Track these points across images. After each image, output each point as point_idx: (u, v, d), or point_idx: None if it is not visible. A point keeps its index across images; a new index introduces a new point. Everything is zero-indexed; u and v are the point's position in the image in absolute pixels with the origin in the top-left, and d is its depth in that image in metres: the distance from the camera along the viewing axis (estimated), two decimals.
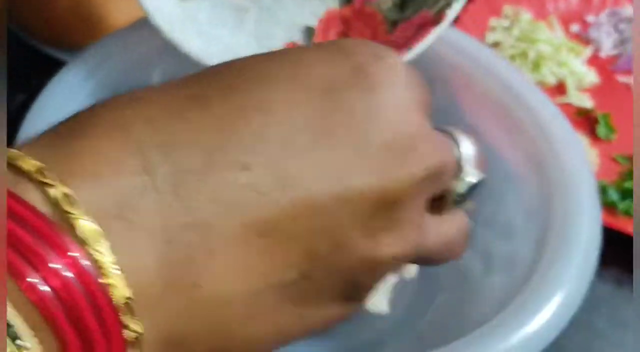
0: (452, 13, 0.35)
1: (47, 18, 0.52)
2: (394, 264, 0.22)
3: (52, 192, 0.17)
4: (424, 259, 0.24)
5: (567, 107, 0.56)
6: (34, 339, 0.16)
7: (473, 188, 0.24)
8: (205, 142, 0.19)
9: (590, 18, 0.65)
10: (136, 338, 0.18)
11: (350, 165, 0.20)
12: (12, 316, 0.15)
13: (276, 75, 0.20)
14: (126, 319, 0.17)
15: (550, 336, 0.29)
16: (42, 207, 0.17)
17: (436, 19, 0.36)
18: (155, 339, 0.18)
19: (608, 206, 0.46)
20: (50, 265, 0.16)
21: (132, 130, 0.18)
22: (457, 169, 0.23)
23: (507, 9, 0.63)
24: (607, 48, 0.62)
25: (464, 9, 0.60)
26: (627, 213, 0.46)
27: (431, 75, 0.42)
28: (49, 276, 0.16)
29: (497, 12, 0.63)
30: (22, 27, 0.53)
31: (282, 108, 0.19)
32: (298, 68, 0.20)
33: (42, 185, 0.17)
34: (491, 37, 0.61)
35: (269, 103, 0.19)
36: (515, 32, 0.60)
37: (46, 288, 0.16)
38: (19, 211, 0.16)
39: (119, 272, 0.17)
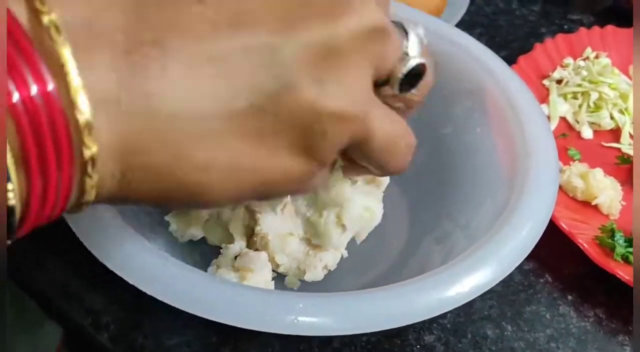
0: None
1: None
2: (342, 125, 0.24)
3: (46, 19, 0.19)
4: (369, 153, 0.27)
5: (613, 151, 0.57)
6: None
7: (416, 72, 0.27)
8: None
9: None
10: (91, 157, 0.20)
11: (295, 10, 0.23)
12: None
13: None
14: (86, 139, 0.20)
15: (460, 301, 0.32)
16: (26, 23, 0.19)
17: None
18: (112, 148, 0.21)
19: (608, 248, 0.47)
20: (26, 79, 0.19)
21: None
22: (403, 54, 0.27)
23: (588, 50, 0.64)
24: None
25: (541, 42, 0.63)
26: (625, 259, 0.46)
27: (461, 87, 0.46)
28: (22, 87, 0.18)
29: (576, 52, 0.64)
30: None
31: None
32: None
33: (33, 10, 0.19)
34: (558, 73, 0.62)
35: None
36: (584, 72, 0.61)
37: (17, 97, 0.18)
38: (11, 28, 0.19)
39: (82, 92, 0.19)
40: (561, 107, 0.60)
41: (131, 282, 0.32)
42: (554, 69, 0.62)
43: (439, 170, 0.46)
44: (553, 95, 0.60)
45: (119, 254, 0.32)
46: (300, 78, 0.23)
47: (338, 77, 0.24)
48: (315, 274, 0.40)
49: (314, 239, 0.40)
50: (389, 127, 0.27)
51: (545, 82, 0.61)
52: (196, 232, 0.42)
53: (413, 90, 0.28)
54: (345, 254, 0.42)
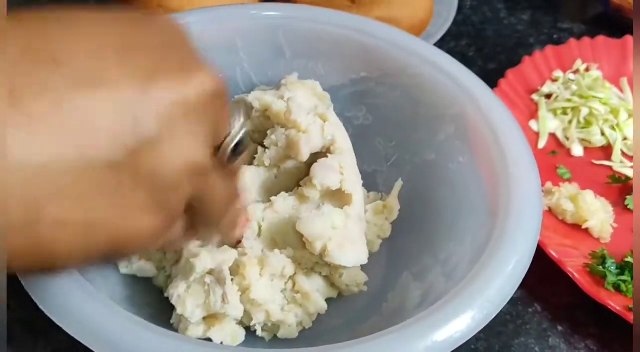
0: None
1: None
2: (192, 178, 0.25)
3: None
4: (204, 204, 0.28)
5: (604, 169, 0.55)
6: None
7: (242, 142, 0.29)
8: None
9: None
10: None
11: (149, 69, 0.24)
12: None
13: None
14: None
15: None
16: None
17: None
18: None
19: (599, 276, 0.45)
20: None
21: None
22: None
23: (579, 63, 0.62)
24: None
25: (530, 53, 0.61)
26: (616, 288, 0.44)
27: (443, 112, 0.44)
28: None
29: (565, 64, 0.62)
30: None
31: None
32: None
33: None
34: (548, 88, 0.60)
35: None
36: (574, 86, 0.59)
37: None
38: None
39: None
40: (551, 124, 0.58)
41: (82, 341, 0.30)
42: (543, 83, 0.60)
43: (420, 199, 0.44)
44: (542, 111, 0.58)
45: (63, 304, 0.30)
46: (158, 134, 0.24)
47: (192, 133, 0.25)
48: (289, 331, 0.38)
49: (294, 301, 0.39)
50: (222, 187, 0.29)
51: (535, 97, 0.59)
52: (145, 268, 0.39)
53: (238, 159, 0.29)
54: (325, 310, 0.40)
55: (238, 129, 0.29)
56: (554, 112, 0.58)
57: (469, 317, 0.31)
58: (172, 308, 0.36)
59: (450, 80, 0.43)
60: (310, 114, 0.41)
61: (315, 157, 0.42)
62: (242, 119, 0.29)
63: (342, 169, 0.40)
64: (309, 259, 0.39)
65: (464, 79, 0.43)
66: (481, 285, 0.32)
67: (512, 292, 0.32)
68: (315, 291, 0.39)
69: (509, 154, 0.38)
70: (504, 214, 0.36)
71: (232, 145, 0.28)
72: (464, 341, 0.30)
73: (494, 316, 0.31)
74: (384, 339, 0.30)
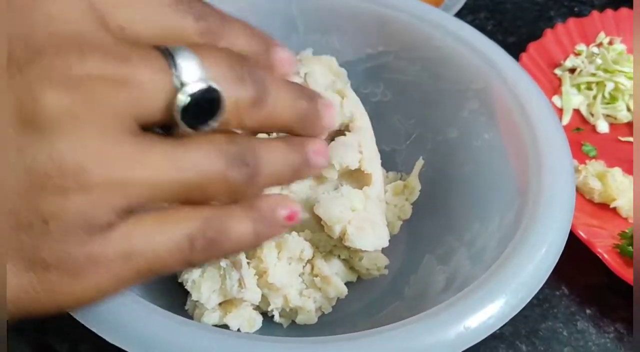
0: None
1: None
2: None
3: None
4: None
5: (631, 146, 0.53)
6: None
7: (207, 99, 0.21)
8: None
9: None
10: None
11: None
12: None
13: None
14: None
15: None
16: None
17: None
18: None
19: (629, 257, 0.43)
20: None
21: None
22: (175, 86, 0.21)
23: (602, 36, 0.60)
24: None
25: (551, 26, 0.58)
26: None
27: (467, 87, 0.42)
28: None
29: (588, 37, 0.60)
30: None
31: None
32: None
33: None
34: (571, 61, 0.57)
35: None
36: (599, 60, 0.57)
37: None
38: None
39: None
40: (575, 99, 0.55)
41: (94, 329, 0.28)
42: (566, 57, 0.58)
43: (442, 179, 0.42)
44: (566, 86, 0.56)
45: None
46: None
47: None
48: (308, 317, 0.37)
49: (313, 285, 0.37)
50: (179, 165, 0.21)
51: (557, 71, 0.57)
52: None
53: (212, 123, 0.22)
54: (345, 294, 0.38)
55: (185, 86, 0.21)
56: (578, 87, 0.56)
57: (502, 302, 0.29)
58: (186, 294, 0.35)
59: (474, 52, 0.41)
60: (327, 90, 0.40)
61: (331, 135, 0.40)
62: (190, 70, 0.21)
63: (361, 148, 0.38)
64: (327, 242, 0.37)
65: (488, 52, 0.41)
66: (515, 268, 0.30)
67: (546, 274, 0.31)
68: (334, 274, 0.37)
69: (538, 129, 0.36)
70: (535, 193, 0.34)
71: (176, 114, 0.21)
72: (498, 327, 0.28)
73: (528, 300, 0.30)
74: (413, 326, 0.28)
